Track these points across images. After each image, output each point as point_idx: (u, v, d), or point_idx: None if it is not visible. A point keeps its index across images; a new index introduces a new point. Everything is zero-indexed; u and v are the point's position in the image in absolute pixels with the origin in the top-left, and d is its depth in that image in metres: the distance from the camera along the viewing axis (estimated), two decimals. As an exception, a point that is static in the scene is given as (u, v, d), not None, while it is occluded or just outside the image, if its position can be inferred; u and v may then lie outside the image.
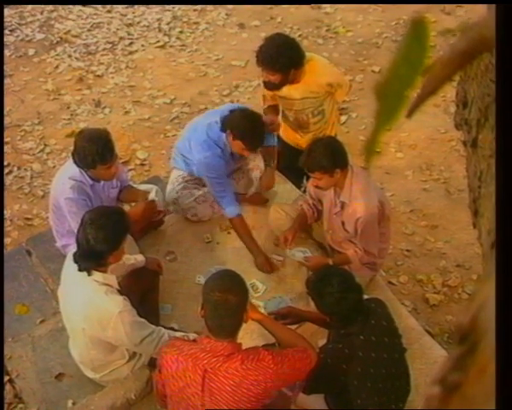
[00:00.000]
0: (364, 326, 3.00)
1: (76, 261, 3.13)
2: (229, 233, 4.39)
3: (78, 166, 3.69)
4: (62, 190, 3.75)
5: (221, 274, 2.90)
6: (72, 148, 3.78)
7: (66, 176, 3.75)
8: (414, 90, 0.72)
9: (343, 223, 3.75)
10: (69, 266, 3.21)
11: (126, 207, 4.25)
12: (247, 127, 3.94)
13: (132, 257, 3.67)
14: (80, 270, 3.11)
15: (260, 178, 4.46)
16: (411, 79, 0.70)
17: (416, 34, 0.69)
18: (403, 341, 3.18)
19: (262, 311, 3.80)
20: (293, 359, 2.77)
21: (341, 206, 3.70)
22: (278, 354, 2.76)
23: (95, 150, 3.57)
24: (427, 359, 3.61)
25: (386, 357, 3.01)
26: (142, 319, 3.24)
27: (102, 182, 3.85)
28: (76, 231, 3.39)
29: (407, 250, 4.83)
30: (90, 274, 3.12)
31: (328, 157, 3.51)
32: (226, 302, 2.65)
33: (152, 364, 3.39)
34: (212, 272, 4.04)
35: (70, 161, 3.78)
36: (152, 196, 4.09)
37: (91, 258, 3.09)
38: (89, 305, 3.12)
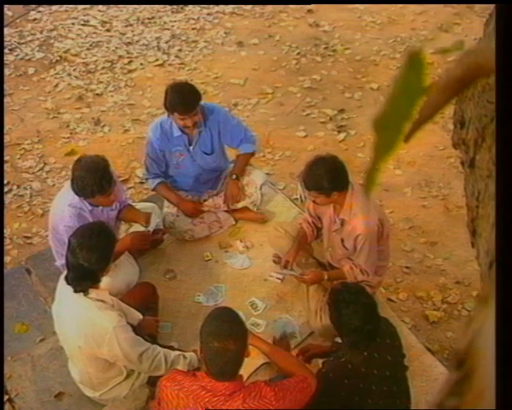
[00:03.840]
0: (369, 343, 2.99)
1: (69, 283, 3.13)
2: (226, 252, 4.39)
3: (77, 194, 3.69)
4: (62, 217, 3.75)
5: (218, 318, 2.74)
6: (71, 166, 3.78)
7: (65, 202, 3.74)
8: (411, 121, 0.73)
9: (342, 240, 3.74)
10: (62, 287, 3.21)
11: (125, 227, 4.26)
12: (172, 96, 4.04)
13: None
14: (76, 291, 3.11)
15: (224, 191, 4.51)
16: (409, 111, 0.71)
17: (413, 66, 0.70)
18: (405, 360, 3.16)
19: (262, 328, 3.82)
20: (294, 391, 2.75)
21: (341, 223, 3.69)
22: (280, 388, 2.72)
23: (93, 181, 3.56)
24: (427, 376, 3.60)
25: (389, 375, 3.00)
26: (137, 336, 3.23)
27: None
28: None
29: (406, 267, 4.82)
30: (86, 294, 3.12)
31: (329, 179, 3.46)
32: (227, 350, 2.58)
33: (151, 383, 3.38)
34: (212, 290, 4.07)
35: (69, 185, 3.77)
36: (152, 224, 4.10)
37: (87, 279, 3.11)
38: (83, 322, 3.12)
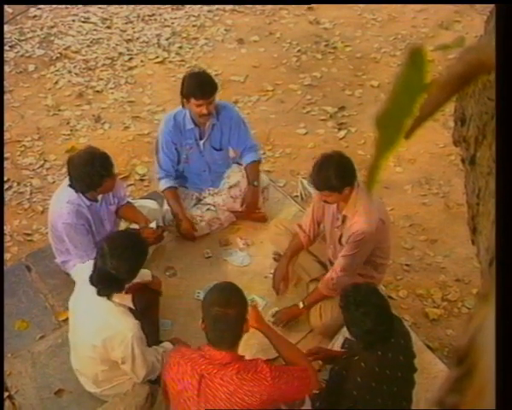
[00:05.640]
0: (383, 343, 2.99)
1: (93, 285, 3.13)
2: (226, 249, 4.39)
3: (84, 191, 3.71)
4: (60, 214, 3.77)
5: (220, 287, 2.88)
6: (66, 170, 3.79)
7: (63, 200, 3.75)
8: (412, 118, 0.73)
9: (341, 236, 3.71)
10: (83, 283, 3.21)
11: (124, 225, 4.26)
12: (190, 81, 4.05)
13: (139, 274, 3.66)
14: (100, 294, 3.11)
15: (243, 198, 4.47)
16: (410, 107, 0.71)
17: (415, 63, 0.70)
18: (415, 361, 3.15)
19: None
20: (292, 376, 2.77)
21: (343, 219, 3.65)
22: (277, 368, 2.76)
23: (98, 168, 3.59)
24: (427, 374, 3.60)
25: (400, 376, 2.98)
26: (147, 355, 3.26)
27: (99, 200, 3.86)
28: (74, 253, 3.39)
29: (406, 265, 4.82)
30: (110, 298, 3.13)
31: (339, 177, 3.40)
32: (226, 316, 2.68)
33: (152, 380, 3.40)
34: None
35: (68, 182, 3.78)
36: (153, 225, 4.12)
37: (113, 286, 3.12)
38: (104, 324, 3.13)
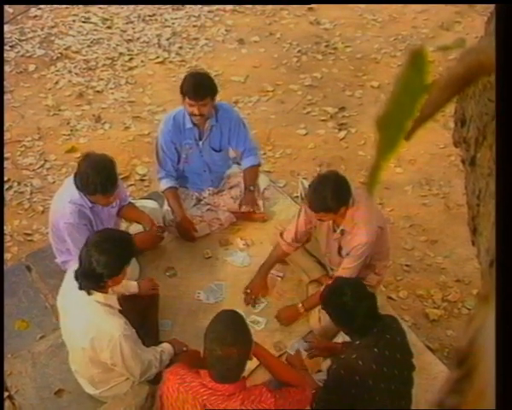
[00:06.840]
0: (379, 340, 2.99)
1: (77, 279, 3.13)
2: (227, 249, 4.39)
3: (79, 189, 3.69)
4: (62, 213, 3.75)
5: (223, 322, 2.74)
6: (72, 163, 3.79)
7: (66, 199, 3.74)
8: (413, 119, 0.73)
9: (340, 248, 3.72)
10: (70, 283, 3.20)
11: (125, 225, 4.26)
12: (188, 80, 4.09)
13: (125, 284, 3.59)
14: (81, 288, 3.10)
15: (240, 202, 4.47)
16: (411, 109, 0.71)
17: (415, 64, 0.70)
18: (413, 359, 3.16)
19: (262, 326, 3.81)
20: (294, 402, 2.75)
21: (341, 232, 3.65)
22: (281, 396, 2.72)
23: (98, 180, 3.55)
24: (427, 374, 3.60)
25: (397, 374, 2.99)
26: (140, 350, 3.24)
27: None
28: (75, 253, 3.39)
29: (407, 265, 4.83)
30: (89, 294, 3.11)
31: (335, 198, 3.40)
32: (229, 357, 2.60)
33: (151, 380, 3.38)
34: (212, 287, 4.07)
35: (69, 182, 3.76)
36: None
37: (91, 279, 3.08)
38: (90, 326, 3.12)
